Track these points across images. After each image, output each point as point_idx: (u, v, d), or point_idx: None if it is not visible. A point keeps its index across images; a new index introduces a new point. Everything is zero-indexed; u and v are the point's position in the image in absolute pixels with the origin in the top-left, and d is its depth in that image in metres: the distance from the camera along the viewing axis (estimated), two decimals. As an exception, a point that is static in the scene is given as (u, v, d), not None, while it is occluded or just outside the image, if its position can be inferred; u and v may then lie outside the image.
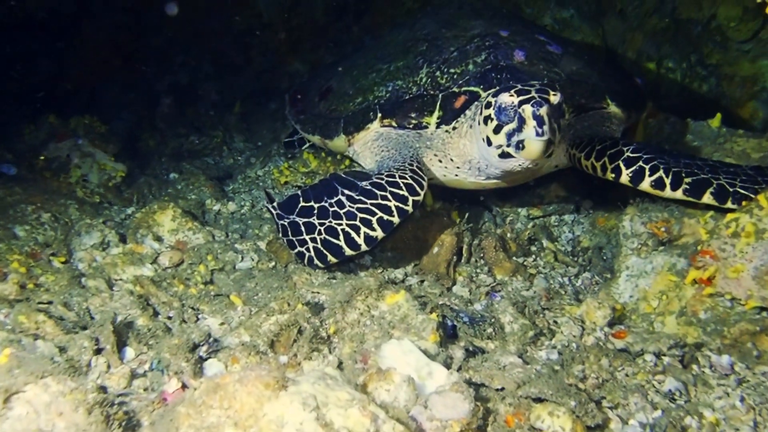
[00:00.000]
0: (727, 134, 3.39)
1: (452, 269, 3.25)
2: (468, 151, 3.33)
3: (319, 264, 3.13)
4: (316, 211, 3.20)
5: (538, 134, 2.77)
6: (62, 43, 7.21)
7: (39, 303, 2.90)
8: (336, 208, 3.17)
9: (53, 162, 4.53)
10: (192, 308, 2.99)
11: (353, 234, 3.08)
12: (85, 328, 2.76)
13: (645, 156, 3.08)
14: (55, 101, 7.12)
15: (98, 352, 2.54)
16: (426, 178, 3.26)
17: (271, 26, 8.06)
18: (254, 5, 8.06)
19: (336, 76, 4.54)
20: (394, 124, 3.61)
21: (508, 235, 3.53)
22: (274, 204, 3.34)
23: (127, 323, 2.76)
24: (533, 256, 3.43)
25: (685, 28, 5.74)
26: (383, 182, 3.19)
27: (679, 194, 2.95)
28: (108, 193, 4.42)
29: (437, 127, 3.47)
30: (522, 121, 2.84)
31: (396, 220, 3.08)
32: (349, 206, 3.14)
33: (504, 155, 3.00)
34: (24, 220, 3.65)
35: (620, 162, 3.10)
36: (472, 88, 3.41)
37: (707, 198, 2.88)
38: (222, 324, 2.85)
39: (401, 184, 3.18)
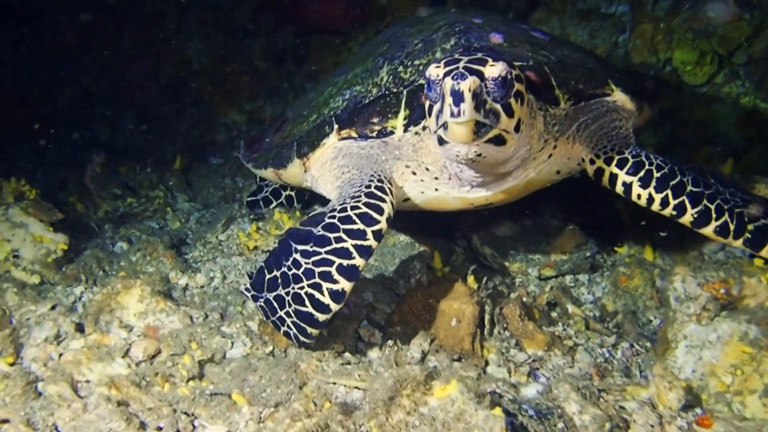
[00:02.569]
0: (742, 180, 3.24)
1: (479, 345, 2.90)
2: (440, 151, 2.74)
3: (306, 340, 2.69)
4: (280, 281, 2.74)
5: (452, 114, 2.27)
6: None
7: (-10, 422, 2.32)
8: (294, 270, 2.69)
9: (-25, 236, 3.85)
10: (186, 413, 2.47)
11: (317, 294, 2.60)
12: (54, 451, 2.21)
13: (707, 192, 2.77)
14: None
15: (83, 487, 2.00)
16: (389, 198, 2.80)
17: (203, 74, 7.63)
18: (183, 51, 7.62)
19: (292, 107, 4.14)
20: (353, 134, 3.07)
21: (524, 299, 3.22)
22: (248, 285, 2.87)
23: (114, 443, 2.23)
24: (560, 325, 3.11)
25: (638, 72, 5.79)
26: (335, 221, 2.72)
27: (738, 243, 2.72)
28: (47, 270, 3.79)
29: (405, 130, 2.94)
30: (443, 98, 2.33)
31: (359, 261, 2.62)
32: (305, 263, 2.66)
33: (440, 141, 2.49)
34: (-47, 312, 3.01)
35: (684, 198, 2.76)
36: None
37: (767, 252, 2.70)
38: (228, 432, 2.36)
39: (353, 217, 2.71)
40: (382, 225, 2.72)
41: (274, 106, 7.34)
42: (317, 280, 2.61)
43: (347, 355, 2.88)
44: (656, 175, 2.81)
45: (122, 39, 7.59)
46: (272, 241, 4.00)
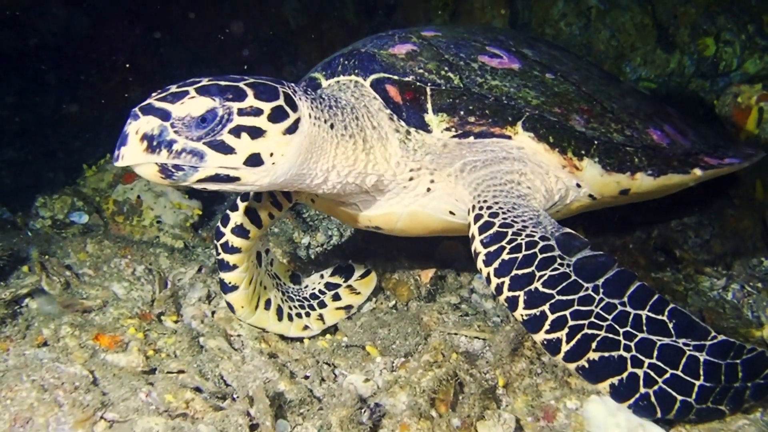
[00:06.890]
0: None
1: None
2: None
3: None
4: None
5: (114, 158, 2.06)
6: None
7: (169, 373, 2.74)
8: None
9: (123, 205, 4.34)
10: (327, 364, 2.82)
11: None
12: (223, 397, 2.60)
13: (560, 298, 2.11)
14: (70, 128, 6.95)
15: (253, 428, 2.37)
16: (247, 204, 2.80)
17: (299, 32, 7.85)
18: (280, 12, 7.84)
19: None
20: None
21: (631, 246, 3.33)
22: None
23: (272, 391, 2.59)
24: (668, 270, 3.22)
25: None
26: None
27: (571, 368, 2.11)
28: (186, 233, 4.24)
29: None
30: None
31: (222, 275, 2.84)
32: None
33: None
34: (120, 276, 3.47)
35: (522, 293, 2.15)
36: (313, 74, 2.65)
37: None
38: (367, 381, 2.68)
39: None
40: (227, 237, 2.78)
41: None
42: None
43: (464, 306, 3.13)
44: (504, 257, 2.23)
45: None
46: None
